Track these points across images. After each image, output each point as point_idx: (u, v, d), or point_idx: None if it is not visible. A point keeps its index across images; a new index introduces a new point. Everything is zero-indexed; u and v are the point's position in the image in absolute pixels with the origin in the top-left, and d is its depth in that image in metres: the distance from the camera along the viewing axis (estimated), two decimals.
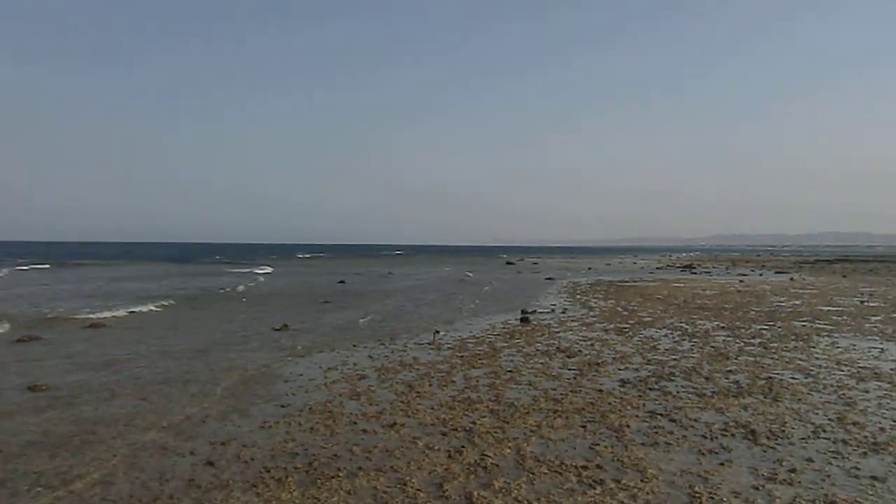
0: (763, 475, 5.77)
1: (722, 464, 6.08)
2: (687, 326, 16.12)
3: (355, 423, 7.55)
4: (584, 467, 5.95)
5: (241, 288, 30.24)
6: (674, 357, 11.81)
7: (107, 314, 18.27)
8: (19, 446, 6.66)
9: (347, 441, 6.83)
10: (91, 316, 17.72)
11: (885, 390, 9.11)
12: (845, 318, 17.86)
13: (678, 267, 58.54)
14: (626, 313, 19.24)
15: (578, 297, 25.81)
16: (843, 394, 8.88)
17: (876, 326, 16.00)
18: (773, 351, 12.41)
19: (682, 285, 32.46)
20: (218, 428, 7.37)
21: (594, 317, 18.40)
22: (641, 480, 5.62)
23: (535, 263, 69.36)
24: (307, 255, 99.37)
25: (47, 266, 50.67)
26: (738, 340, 13.79)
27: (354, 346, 13.23)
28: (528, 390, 9.18)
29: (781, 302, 22.96)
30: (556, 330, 15.52)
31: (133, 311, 19.39)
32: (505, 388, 9.26)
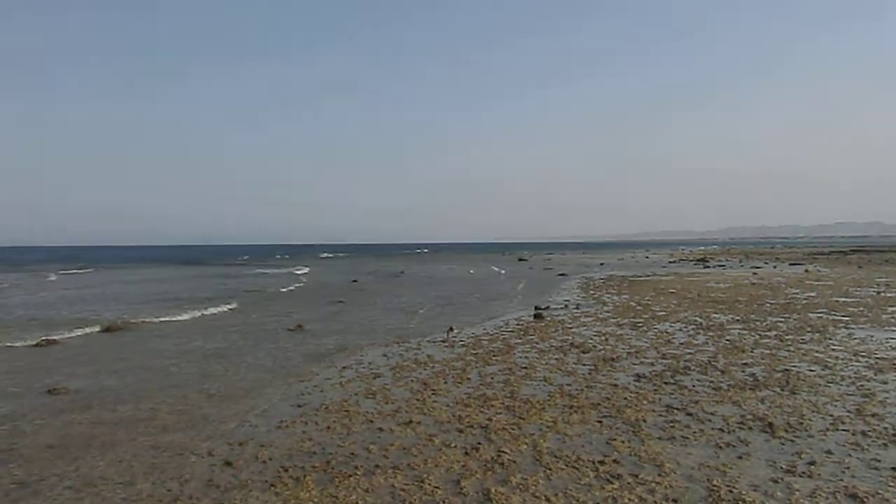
0: (782, 468, 5.74)
1: (740, 457, 6.05)
2: (701, 320, 16.02)
3: (371, 421, 7.59)
4: (602, 462, 5.95)
5: (292, 287, 31.51)
6: (689, 351, 11.74)
7: (185, 316, 19.11)
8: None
9: (364, 439, 6.87)
10: (172, 319, 18.48)
11: None
12: (861, 308, 17.66)
13: (691, 261, 58.17)
14: (639, 308, 19.15)
15: (592, 292, 25.73)
16: (861, 385, 8.80)
17: (893, 317, 15.81)
18: (789, 343, 12.30)
19: (695, 279, 32.26)
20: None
21: (608, 312, 18.33)
22: (659, 475, 5.61)
23: (548, 259, 69.19)
24: (329, 255, 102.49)
25: (90, 270, 53.36)
26: (753, 333, 13.68)
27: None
28: (544, 386, 9.17)
29: (796, 294, 22.75)
30: (570, 325, 15.48)
31: (204, 314, 19.93)
32: (520, 385, 9.26)
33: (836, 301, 19.88)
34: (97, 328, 16.30)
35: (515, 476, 5.64)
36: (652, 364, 10.64)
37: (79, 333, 15.51)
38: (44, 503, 5.39)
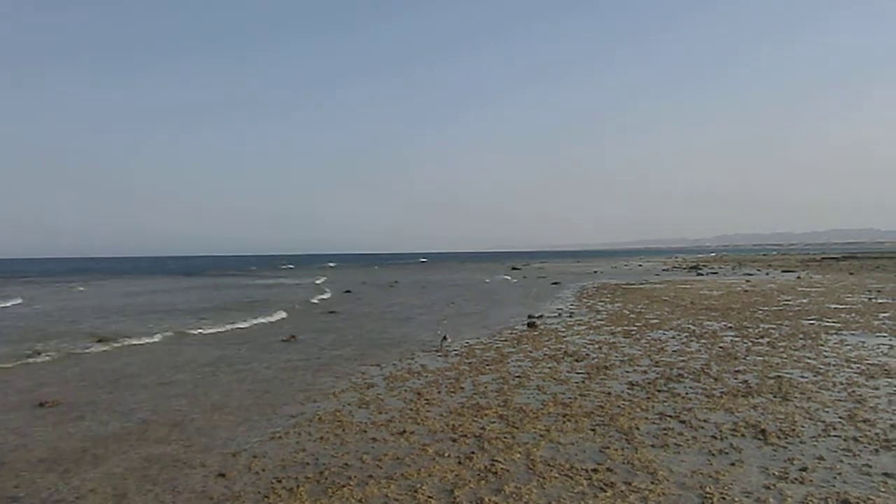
0: (774, 474, 5.76)
1: (733, 464, 6.07)
2: (694, 328, 16.08)
3: (365, 431, 7.57)
4: (595, 470, 5.95)
5: (325, 296, 31.81)
6: (682, 358, 11.78)
7: (229, 326, 19.04)
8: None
9: (357, 450, 6.86)
10: (220, 329, 18.39)
11: (895, 387, 9.08)
12: (853, 315, 17.78)
13: (684, 268, 58.40)
14: (633, 316, 19.21)
15: (585, 300, 25.79)
16: (853, 391, 8.85)
17: (885, 323, 15.93)
18: (782, 350, 12.36)
19: (688, 287, 32.39)
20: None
21: (601, 320, 18.37)
22: (652, 482, 5.62)
23: (541, 268, 69.30)
24: (333, 265, 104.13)
25: (104, 282, 53.46)
26: (746, 340, 13.75)
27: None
28: (537, 395, 9.18)
29: (789, 300, 22.87)
30: (564, 334, 15.51)
31: (255, 323, 19.91)
32: (513, 394, 9.27)
33: (829, 307, 20.00)
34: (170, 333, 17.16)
35: (509, 485, 5.64)
36: (645, 372, 10.67)
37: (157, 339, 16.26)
38: None
